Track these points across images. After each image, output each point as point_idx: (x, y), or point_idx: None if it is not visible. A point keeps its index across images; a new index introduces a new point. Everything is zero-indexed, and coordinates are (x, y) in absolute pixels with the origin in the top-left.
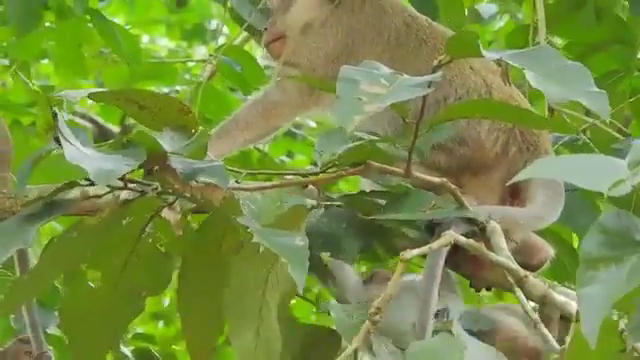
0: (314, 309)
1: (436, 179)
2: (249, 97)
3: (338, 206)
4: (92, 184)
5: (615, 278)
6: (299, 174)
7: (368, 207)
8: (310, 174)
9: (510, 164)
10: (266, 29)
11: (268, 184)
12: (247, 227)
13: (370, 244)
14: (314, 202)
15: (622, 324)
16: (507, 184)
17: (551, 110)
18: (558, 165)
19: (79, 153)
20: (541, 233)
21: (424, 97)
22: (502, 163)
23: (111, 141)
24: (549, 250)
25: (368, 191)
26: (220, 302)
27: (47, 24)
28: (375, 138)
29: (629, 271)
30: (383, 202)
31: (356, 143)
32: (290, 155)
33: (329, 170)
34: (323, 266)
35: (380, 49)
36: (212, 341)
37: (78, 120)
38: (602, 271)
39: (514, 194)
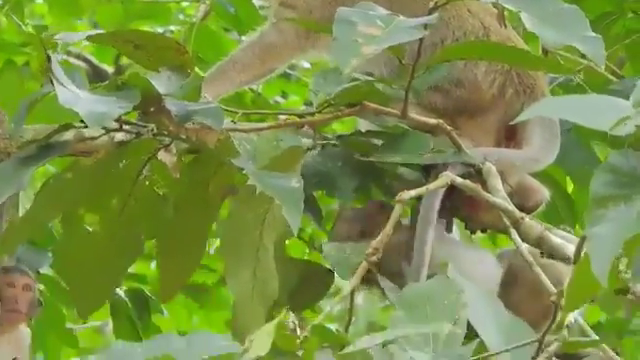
0: (307, 249)
1: (432, 120)
2: (245, 38)
3: (334, 145)
4: (87, 126)
5: (625, 217)
6: (294, 114)
7: (364, 147)
8: (305, 114)
9: (507, 106)
10: None
11: (264, 125)
12: (242, 169)
13: (365, 184)
14: (310, 143)
15: (621, 265)
16: (509, 124)
17: (545, 52)
18: (560, 105)
19: (72, 96)
20: (535, 176)
21: (421, 39)
22: (499, 105)
23: (105, 83)
24: (544, 192)
25: (364, 131)
26: (199, 244)
27: None
28: (371, 79)
29: (639, 209)
30: (379, 142)
31: (352, 83)
32: (284, 96)
33: (325, 110)
34: (317, 206)
35: None
36: (184, 279)
37: (72, 60)
38: (611, 210)
39: (510, 136)
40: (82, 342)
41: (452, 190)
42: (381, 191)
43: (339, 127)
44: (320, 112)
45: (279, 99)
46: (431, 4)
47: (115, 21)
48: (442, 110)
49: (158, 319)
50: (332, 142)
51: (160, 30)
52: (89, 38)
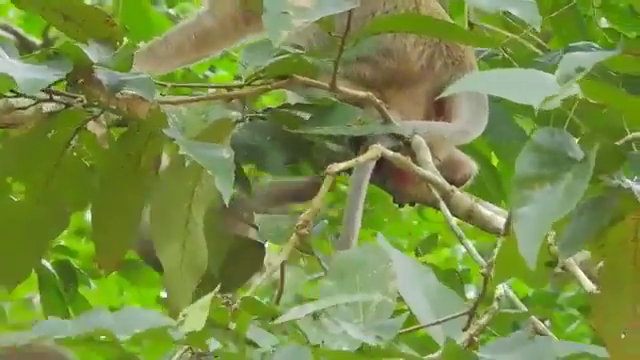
0: None
1: (361, 93)
2: (181, 21)
3: (262, 119)
4: (17, 96)
5: (551, 197)
6: (224, 87)
7: (293, 120)
8: (234, 87)
9: (435, 78)
10: None
11: (194, 97)
12: (173, 139)
13: (295, 157)
14: (239, 115)
15: (550, 238)
16: (436, 98)
17: (471, 25)
18: (487, 79)
19: (5, 63)
20: (462, 149)
21: (350, 11)
22: (427, 77)
23: (36, 52)
24: (473, 166)
25: (293, 104)
26: (133, 217)
27: None
28: (300, 51)
29: (564, 189)
30: (308, 116)
31: (281, 56)
32: (213, 70)
33: (254, 83)
34: (245, 178)
35: None
36: (121, 251)
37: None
38: (537, 190)
39: (439, 109)
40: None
41: (380, 163)
42: (310, 165)
43: (270, 101)
44: (249, 85)
45: (209, 73)
46: None
47: None
48: (371, 82)
49: (87, 293)
50: (260, 115)
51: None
52: (17, 3)
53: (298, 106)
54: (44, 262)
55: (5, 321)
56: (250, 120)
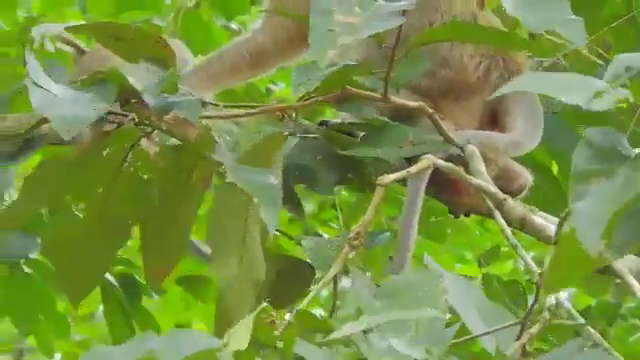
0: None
1: (413, 103)
2: (236, 38)
3: (314, 138)
4: None
5: (608, 190)
6: (274, 105)
7: (344, 141)
8: (287, 106)
9: (491, 90)
10: None
11: (242, 112)
12: (221, 163)
13: (346, 177)
14: (290, 131)
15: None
16: (488, 99)
17: (532, 35)
18: (538, 79)
19: (45, 98)
20: (520, 160)
21: (400, 25)
22: (483, 89)
23: (84, 77)
24: (528, 176)
25: (345, 123)
26: (183, 231)
27: None
28: (351, 64)
29: (621, 182)
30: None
31: (331, 70)
32: (275, 84)
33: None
34: (297, 200)
35: None
36: (170, 265)
37: (60, 46)
38: (594, 185)
39: (493, 122)
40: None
41: (434, 174)
42: (361, 181)
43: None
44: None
45: (273, 87)
46: None
47: (106, 10)
48: (426, 91)
49: (152, 309)
50: (312, 135)
51: (158, 21)
52: (68, 29)
53: (350, 125)
54: (108, 276)
55: (68, 335)
56: (302, 139)
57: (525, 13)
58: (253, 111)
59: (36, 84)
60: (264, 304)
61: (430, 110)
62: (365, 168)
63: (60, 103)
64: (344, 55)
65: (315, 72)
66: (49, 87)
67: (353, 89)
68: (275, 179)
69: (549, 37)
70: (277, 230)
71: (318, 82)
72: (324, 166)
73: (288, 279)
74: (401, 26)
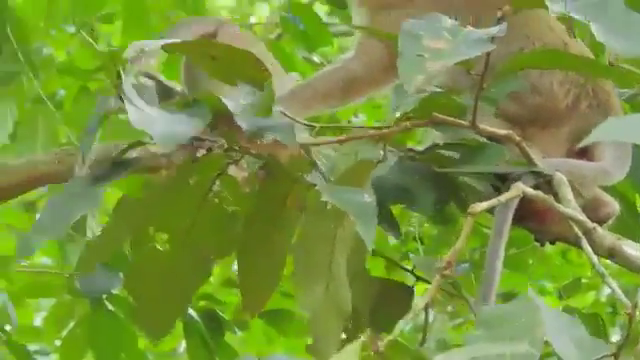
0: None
1: (502, 131)
2: (329, 66)
3: (411, 159)
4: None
5: None
6: (369, 128)
7: (442, 160)
8: (380, 128)
9: (580, 119)
10: None
11: (335, 138)
12: (314, 184)
13: (444, 197)
14: (380, 156)
15: None
16: (578, 146)
17: (610, 65)
18: (625, 126)
19: (143, 116)
20: (603, 189)
21: (488, 52)
22: (572, 117)
23: (176, 99)
24: (615, 205)
25: (442, 144)
26: (279, 259)
27: None
28: (439, 90)
29: None
30: (456, 155)
31: (424, 95)
32: (356, 115)
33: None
34: (394, 220)
35: None
36: (266, 297)
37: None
38: None
39: (582, 151)
40: None
41: (520, 202)
42: (458, 205)
43: (413, 143)
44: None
45: (353, 119)
46: (498, 14)
47: None
48: (515, 118)
49: (234, 343)
50: (410, 155)
51: None
52: (165, 47)
53: (447, 146)
54: (190, 311)
55: None
56: (400, 160)
57: (614, 40)
58: (351, 136)
59: (132, 103)
60: (367, 331)
61: (517, 138)
62: (462, 191)
63: (157, 120)
64: (431, 80)
65: (409, 97)
66: (144, 107)
67: (441, 116)
68: (369, 197)
69: (628, 67)
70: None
71: (415, 106)
72: (422, 186)
73: (388, 303)
74: (489, 53)
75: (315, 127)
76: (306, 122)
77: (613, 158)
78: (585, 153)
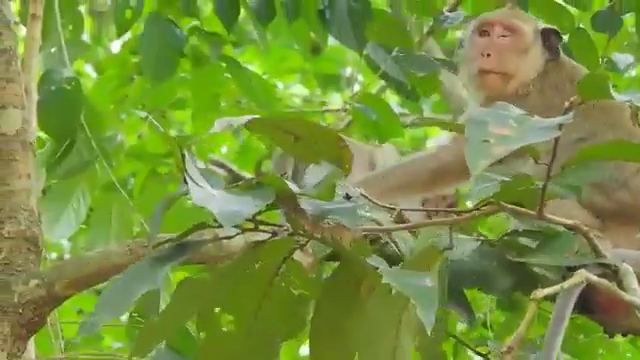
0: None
1: (569, 221)
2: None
3: (490, 244)
4: (222, 226)
5: None
6: (442, 210)
7: (519, 248)
8: (454, 211)
9: None
10: (483, 55)
11: (402, 226)
12: (376, 268)
13: (520, 283)
14: (447, 243)
15: None
16: None
17: None
18: None
19: (206, 194)
20: None
21: (556, 139)
22: None
23: (240, 182)
24: None
25: (520, 231)
26: (352, 344)
27: (182, 74)
28: (507, 178)
29: None
30: (530, 243)
31: (507, 181)
32: None
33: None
34: (467, 303)
35: None
36: None
37: (213, 168)
38: None
39: None
40: None
41: (589, 293)
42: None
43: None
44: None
45: None
46: (566, 104)
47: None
48: (597, 209)
49: None
50: (489, 241)
51: None
52: (249, 124)
53: (524, 233)
54: None
55: None
56: (479, 246)
57: None
58: (421, 222)
59: (196, 184)
60: None
61: (585, 228)
62: (537, 277)
63: (220, 200)
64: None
65: (489, 183)
66: (207, 188)
67: (509, 206)
68: (430, 282)
69: None
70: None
71: (491, 193)
72: (499, 272)
73: None
74: (557, 140)
75: (395, 209)
76: (385, 204)
77: None
78: None
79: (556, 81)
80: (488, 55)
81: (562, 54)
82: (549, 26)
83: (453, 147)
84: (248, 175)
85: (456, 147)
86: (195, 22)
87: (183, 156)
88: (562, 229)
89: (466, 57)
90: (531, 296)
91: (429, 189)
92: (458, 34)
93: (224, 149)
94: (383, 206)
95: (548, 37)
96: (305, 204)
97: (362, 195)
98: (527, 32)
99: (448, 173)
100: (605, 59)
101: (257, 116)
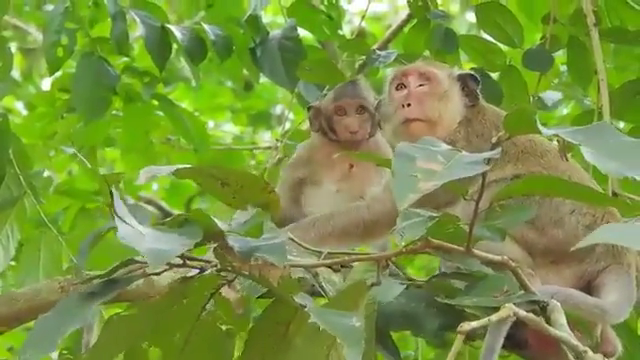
0: None
1: (497, 257)
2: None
3: (417, 286)
4: None
5: None
6: (366, 254)
7: (448, 290)
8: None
9: (592, 262)
10: (403, 106)
11: (328, 261)
12: (304, 306)
13: (449, 324)
14: (374, 279)
15: None
16: (572, 249)
17: (615, 194)
18: (621, 230)
19: (133, 232)
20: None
21: (484, 175)
22: (585, 259)
23: (168, 219)
24: (617, 345)
25: (449, 273)
26: None
27: (114, 112)
28: (435, 215)
29: None
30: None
31: (432, 222)
32: None
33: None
34: (394, 345)
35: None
36: None
37: (143, 205)
38: None
39: (586, 292)
40: None
41: (517, 328)
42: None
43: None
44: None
45: None
46: (493, 139)
47: (189, 160)
48: (529, 245)
49: None
50: (418, 283)
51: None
52: (176, 172)
53: (453, 275)
54: None
55: None
56: (406, 288)
57: (605, 161)
58: (348, 258)
59: (124, 221)
60: None
61: (513, 264)
62: (466, 318)
63: (147, 238)
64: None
65: (419, 222)
66: (135, 225)
67: (436, 241)
68: (358, 321)
69: (631, 196)
70: None
71: (420, 234)
72: (428, 313)
73: None
74: (485, 175)
75: (322, 253)
76: (310, 247)
77: (615, 299)
78: (590, 292)
79: (481, 130)
80: (409, 105)
81: (482, 100)
82: (465, 70)
83: (384, 198)
84: (177, 212)
85: (387, 198)
86: (126, 59)
87: (111, 193)
88: (490, 271)
89: (387, 113)
90: (457, 329)
91: (363, 240)
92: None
93: (155, 186)
94: (311, 249)
95: (465, 82)
96: (233, 241)
97: (290, 239)
98: (442, 78)
99: (381, 224)
100: (536, 97)
101: (183, 165)
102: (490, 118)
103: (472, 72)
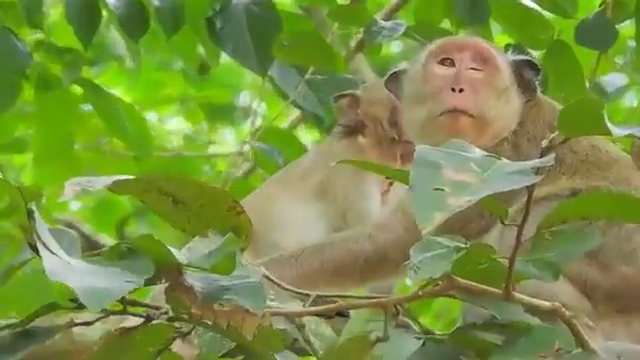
0: None
1: (546, 304)
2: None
3: (435, 342)
4: (80, 307)
5: None
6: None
7: (475, 345)
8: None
9: None
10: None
11: (318, 308)
12: None
13: None
14: (381, 332)
15: None
16: None
17: None
18: None
19: (62, 265)
20: None
21: (530, 190)
22: None
23: (105, 249)
24: None
25: (479, 324)
26: None
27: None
28: (464, 245)
29: None
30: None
31: (460, 254)
32: None
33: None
34: None
35: None
36: None
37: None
38: None
39: None
40: None
41: None
42: None
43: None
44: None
45: None
46: (544, 142)
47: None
48: (591, 288)
49: None
50: (437, 337)
51: None
52: (114, 185)
53: (486, 327)
54: None
55: None
56: (424, 344)
57: None
58: (353, 302)
59: (49, 250)
60: None
61: (567, 313)
62: None
63: (81, 272)
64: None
65: (441, 256)
66: (62, 256)
67: (464, 281)
68: None
69: None
70: None
71: (442, 271)
72: None
73: None
74: (532, 191)
75: (311, 295)
76: (294, 289)
77: None
78: None
79: (533, 131)
80: (461, 90)
81: (539, 93)
82: (521, 57)
83: (393, 223)
84: (108, 241)
85: (397, 222)
86: (40, 34)
87: (30, 213)
88: (537, 322)
89: (418, 93)
90: None
91: (362, 281)
92: (397, 49)
93: (76, 205)
94: (294, 291)
95: (520, 71)
96: (193, 279)
97: (266, 277)
98: (504, 66)
99: (387, 259)
100: (593, 83)
101: (124, 177)
102: (546, 116)
103: (531, 58)
